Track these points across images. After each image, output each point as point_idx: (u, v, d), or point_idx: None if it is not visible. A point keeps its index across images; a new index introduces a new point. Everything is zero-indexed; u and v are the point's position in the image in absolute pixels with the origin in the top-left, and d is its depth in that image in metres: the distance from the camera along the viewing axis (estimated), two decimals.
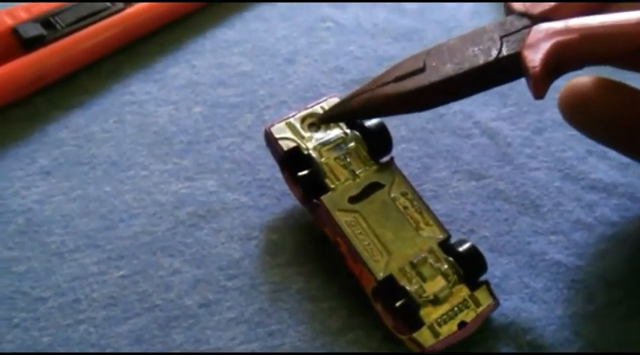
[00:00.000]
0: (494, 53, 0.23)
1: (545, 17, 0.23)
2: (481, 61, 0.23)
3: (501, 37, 0.24)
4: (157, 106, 0.31)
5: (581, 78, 0.25)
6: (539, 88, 0.22)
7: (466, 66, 0.23)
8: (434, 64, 0.24)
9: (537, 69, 0.22)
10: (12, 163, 0.29)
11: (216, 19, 0.35)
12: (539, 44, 0.22)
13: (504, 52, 0.23)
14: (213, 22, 0.35)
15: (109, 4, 0.32)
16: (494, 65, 0.23)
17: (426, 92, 0.24)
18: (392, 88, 0.24)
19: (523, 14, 0.24)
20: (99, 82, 0.32)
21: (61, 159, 0.29)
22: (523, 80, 0.33)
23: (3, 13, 0.31)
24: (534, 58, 0.22)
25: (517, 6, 0.24)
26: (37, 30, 0.30)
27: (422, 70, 0.24)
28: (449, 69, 0.24)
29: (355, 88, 0.32)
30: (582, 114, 0.26)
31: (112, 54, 0.32)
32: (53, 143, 0.29)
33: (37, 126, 0.30)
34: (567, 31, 0.22)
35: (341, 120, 0.27)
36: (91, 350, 0.24)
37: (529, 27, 0.23)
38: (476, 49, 0.24)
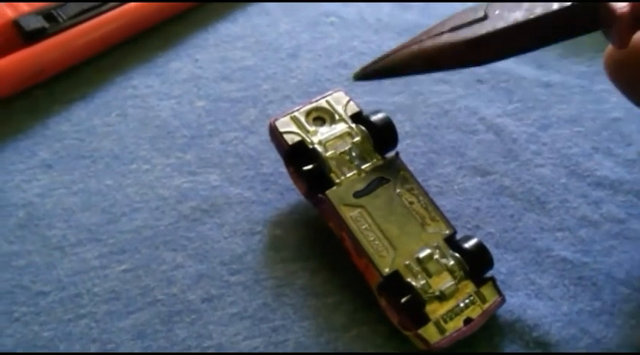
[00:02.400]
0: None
1: None
2: (555, 6, 0.21)
3: None
4: (160, 100, 0.31)
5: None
6: (625, 36, 0.20)
7: (538, 11, 0.21)
8: (497, 12, 0.22)
9: (625, 11, 0.19)
10: (13, 156, 0.28)
11: (219, 14, 0.35)
12: None
13: None
14: (216, 17, 0.34)
15: None
16: (570, 11, 0.21)
17: (490, 41, 0.21)
18: (448, 38, 0.22)
19: None
20: (101, 75, 0.31)
21: (62, 152, 0.28)
22: (529, 76, 0.33)
23: (4, 5, 0.31)
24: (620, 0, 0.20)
25: None
26: (38, 22, 0.30)
27: (483, 19, 0.22)
28: (517, 15, 0.21)
29: (360, 83, 0.32)
30: (631, 72, 0.23)
31: (114, 47, 0.32)
32: (55, 136, 0.29)
33: (38, 119, 0.30)
34: None
35: (383, 76, 0.24)
36: (92, 345, 0.23)
37: None
38: None
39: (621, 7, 0.20)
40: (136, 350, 0.23)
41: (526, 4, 0.21)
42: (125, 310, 0.24)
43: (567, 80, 0.32)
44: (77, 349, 0.23)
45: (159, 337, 0.24)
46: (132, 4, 0.32)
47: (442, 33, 0.22)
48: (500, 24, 0.21)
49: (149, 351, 0.23)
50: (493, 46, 0.22)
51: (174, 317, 0.24)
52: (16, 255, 0.25)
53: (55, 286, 0.25)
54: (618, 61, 0.23)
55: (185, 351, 0.23)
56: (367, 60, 0.33)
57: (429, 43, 0.22)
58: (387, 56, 0.23)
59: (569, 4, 0.21)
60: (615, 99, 0.31)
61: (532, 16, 0.21)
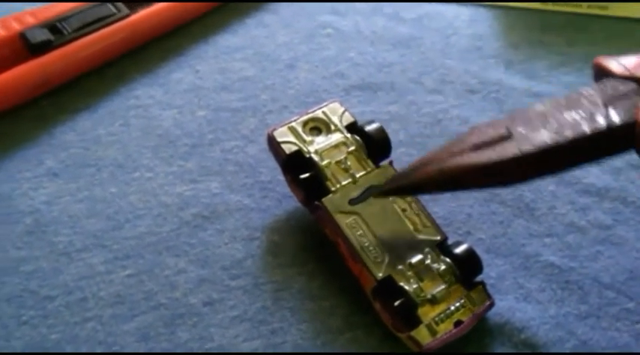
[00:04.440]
0: (601, 120, 0.20)
1: None
2: (586, 128, 0.20)
3: (605, 103, 0.20)
4: (162, 110, 0.32)
5: None
6: None
7: (568, 134, 0.20)
8: (522, 130, 0.20)
9: None
10: (20, 165, 0.29)
11: (219, 26, 0.36)
12: None
13: (615, 120, 0.20)
14: (216, 29, 0.35)
15: (114, 9, 0.33)
16: (605, 135, 0.20)
17: (518, 164, 0.20)
18: (471, 158, 0.20)
19: (626, 78, 0.20)
20: (105, 86, 0.32)
21: (68, 161, 0.29)
22: (519, 86, 0.34)
23: (11, 18, 0.32)
24: None
25: (616, 69, 0.21)
26: (44, 35, 0.31)
27: (507, 138, 0.20)
28: (545, 137, 0.20)
29: (356, 93, 0.33)
30: None
31: (117, 58, 0.33)
32: (60, 145, 0.30)
33: (44, 128, 0.31)
34: None
35: (407, 194, 0.24)
36: (98, 347, 0.24)
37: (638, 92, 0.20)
38: (574, 114, 0.20)
39: None
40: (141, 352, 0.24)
41: (553, 124, 0.20)
42: (130, 313, 0.25)
43: (556, 90, 0.33)
44: (84, 351, 0.24)
45: (162, 339, 0.25)
46: (134, 17, 0.33)
47: (464, 151, 0.21)
48: (527, 146, 0.20)
49: (153, 353, 0.24)
50: (520, 170, 0.20)
51: (177, 320, 0.25)
52: (24, 261, 0.26)
53: (61, 290, 0.26)
54: None
55: (188, 352, 0.24)
56: (363, 70, 0.34)
57: (452, 163, 0.21)
58: (410, 174, 0.22)
59: (603, 127, 0.20)
60: None
61: (563, 140, 0.20)
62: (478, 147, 0.21)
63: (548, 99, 0.21)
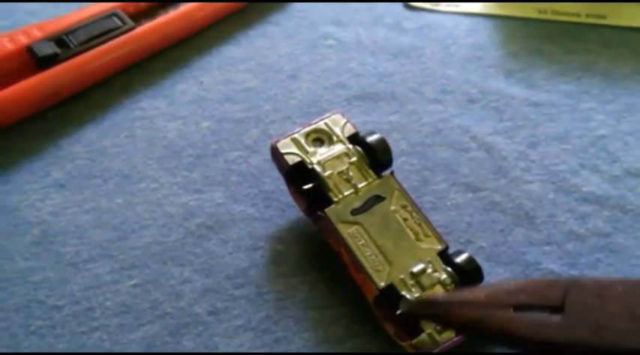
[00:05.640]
0: None
1: None
2: None
3: None
4: (167, 121, 0.32)
5: None
6: None
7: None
8: (577, 306, 0.17)
9: None
10: (27, 176, 0.30)
11: (222, 37, 0.36)
12: None
13: None
14: (219, 40, 0.36)
15: (119, 22, 0.33)
16: None
17: (568, 351, 0.17)
18: (509, 320, 0.18)
19: None
20: (110, 98, 0.33)
21: (74, 172, 0.30)
22: (519, 95, 0.34)
23: (18, 32, 0.32)
24: None
25: None
26: (51, 48, 0.32)
27: (558, 310, 0.18)
28: (621, 334, 0.16)
29: (357, 103, 0.33)
30: None
31: (123, 71, 0.34)
32: (67, 157, 0.30)
33: (51, 140, 0.31)
34: None
35: (430, 320, 0.23)
36: None
37: None
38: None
39: None
40: None
41: (628, 320, 0.17)
42: (136, 323, 0.26)
43: (555, 99, 0.34)
44: None
45: (168, 348, 0.25)
46: (139, 30, 0.34)
47: (505, 306, 0.19)
48: (578, 333, 0.17)
49: None
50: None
51: (182, 329, 0.25)
52: (32, 271, 0.27)
53: (69, 300, 0.26)
54: None
55: None
56: (364, 80, 0.35)
57: (488, 318, 0.19)
58: (441, 307, 0.21)
59: None
60: (601, 118, 0.33)
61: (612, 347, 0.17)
62: (523, 307, 0.19)
63: (620, 280, 0.18)
